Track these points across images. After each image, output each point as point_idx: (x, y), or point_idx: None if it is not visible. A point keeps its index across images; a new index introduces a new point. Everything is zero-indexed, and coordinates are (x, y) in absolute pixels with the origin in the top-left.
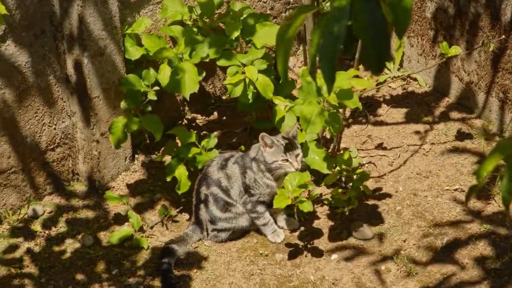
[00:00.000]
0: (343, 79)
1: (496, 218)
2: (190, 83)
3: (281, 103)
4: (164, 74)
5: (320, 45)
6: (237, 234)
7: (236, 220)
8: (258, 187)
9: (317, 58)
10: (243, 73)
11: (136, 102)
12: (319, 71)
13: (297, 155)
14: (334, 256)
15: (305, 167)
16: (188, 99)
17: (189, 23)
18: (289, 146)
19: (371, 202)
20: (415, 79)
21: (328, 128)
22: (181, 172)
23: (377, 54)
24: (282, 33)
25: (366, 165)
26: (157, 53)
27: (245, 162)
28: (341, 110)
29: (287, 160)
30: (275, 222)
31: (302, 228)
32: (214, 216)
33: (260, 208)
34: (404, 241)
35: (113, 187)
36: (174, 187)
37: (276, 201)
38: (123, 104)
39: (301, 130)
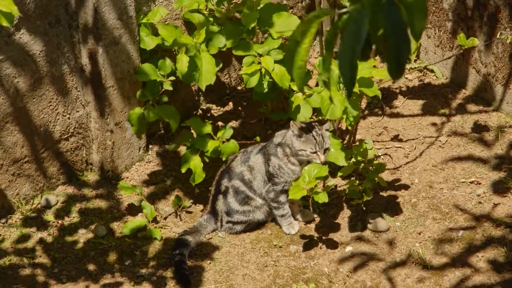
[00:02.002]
0: (364, 67)
1: None
2: (207, 75)
3: (299, 90)
4: (182, 64)
5: (340, 48)
6: (251, 226)
7: (253, 213)
8: (283, 174)
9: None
10: (259, 63)
11: (153, 93)
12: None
13: (326, 149)
14: (349, 248)
15: (327, 161)
16: (203, 90)
17: (205, 12)
18: (321, 139)
19: (386, 194)
20: (432, 71)
21: (345, 117)
22: (196, 163)
23: (396, 58)
24: (296, 41)
25: (382, 156)
26: (176, 41)
27: (268, 149)
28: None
29: (315, 153)
30: (292, 213)
31: (317, 220)
32: (231, 208)
33: (283, 198)
34: (419, 233)
35: (127, 177)
36: (188, 178)
37: (292, 192)
38: (139, 94)
39: (317, 120)
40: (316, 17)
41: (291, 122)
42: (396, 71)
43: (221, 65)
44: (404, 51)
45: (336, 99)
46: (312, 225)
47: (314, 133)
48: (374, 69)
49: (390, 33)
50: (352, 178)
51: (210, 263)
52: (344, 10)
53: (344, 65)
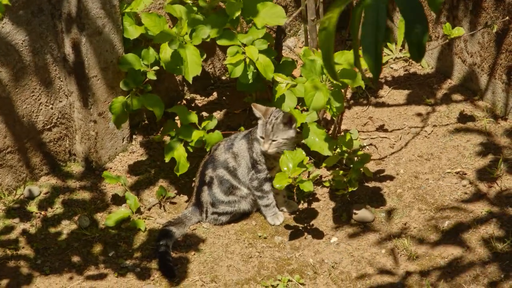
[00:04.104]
0: (346, 58)
1: (498, 201)
2: (193, 66)
3: (282, 81)
4: (166, 54)
5: (362, 37)
6: (237, 216)
7: (238, 204)
8: (265, 161)
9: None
10: (244, 53)
11: (136, 82)
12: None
13: (273, 140)
14: (334, 239)
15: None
16: (191, 82)
17: (189, 2)
18: (269, 129)
19: (371, 184)
20: None
21: (329, 108)
22: (180, 153)
23: (416, 40)
24: (324, 30)
25: (367, 147)
26: (159, 36)
27: (252, 134)
28: (342, 91)
29: (262, 138)
30: (276, 204)
31: (302, 211)
32: (217, 199)
33: (266, 187)
34: (405, 224)
35: (110, 168)
36: (172, 168)
37: (277, 181)
38: (122, 84)
39: (302, 111)
40: (336, 6)
41: (252, 104)
42: (418, 54)
43: (204, 56)
44: (422, 32)
45: (319, 90)
46: (297, 216)
47: (268, 120)
48: (360, 58)
49: (408, 14)
50: (337, 169)
51: (194, 254)
52: None
53: (369, 54)
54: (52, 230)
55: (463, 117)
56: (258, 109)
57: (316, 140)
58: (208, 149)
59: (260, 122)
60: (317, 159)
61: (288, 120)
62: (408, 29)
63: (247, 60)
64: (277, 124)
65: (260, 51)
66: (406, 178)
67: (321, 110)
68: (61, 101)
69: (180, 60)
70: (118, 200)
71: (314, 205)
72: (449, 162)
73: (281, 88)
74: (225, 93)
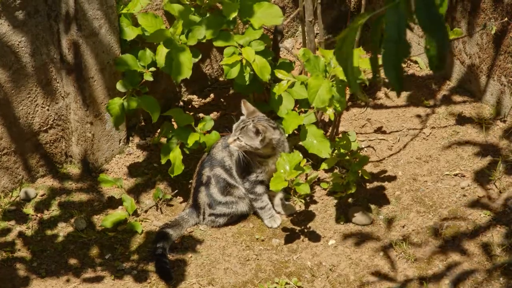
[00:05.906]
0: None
1: (497, 203)
2: (183, 68)
3: (284, 78)
4: (162, 55)
5: (383, 52)
6: (234, 219)
7: (236, 205)
8: (254, 163)
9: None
10: (240, 54)
11: (133, 83)
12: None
13: (237, 139)
14: (332, 242)
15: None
16: (178, 84)
17: (187, 2)
18: (238, 127)
19: (369, 186)
20: (416, 62)
21: (332, 105)
22: (175, 155)
23: (437, 49)
24: (344, 40)
25: (365, 149)
26: (154, 36)
27: None
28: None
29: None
30: (273, 206)
31: (300, 213)
32: (214, 199)
33: (259, 189)
34: (403, 226)
35: (107, 170)
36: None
37: (273, 184)
38: (119, 85)
39: (299, 112)
40: (361, 17)
41: (242, 100)
42: (438, 65)
43: (200, 56)
44: (443, 41)
45: (323, 87)
46: (295, 219)
47: (245, 119)
48: (360, 59)
49: (427, 24)
50: (335, 171)
51: (191, 256)
52: (382, 9)
53: (390, 69)
54: (49, 232)
55: (462, 119)
56: (246, 107)
57: (314, 142)
58: (206, 149)
59: (241, 117)
60: (315, 161)
61: (255, 132)
62: (429, 39)
63: (244, 61)
64: (247, 128)
65: (257, 52)
66: (405, 180)
67: (319, 112)
68: (57, 103)
69: (171, 61)
70: (115, 202)
71: (312, 207)
72: (448, 164)
73: (282, 85)
74: (222, 95)
